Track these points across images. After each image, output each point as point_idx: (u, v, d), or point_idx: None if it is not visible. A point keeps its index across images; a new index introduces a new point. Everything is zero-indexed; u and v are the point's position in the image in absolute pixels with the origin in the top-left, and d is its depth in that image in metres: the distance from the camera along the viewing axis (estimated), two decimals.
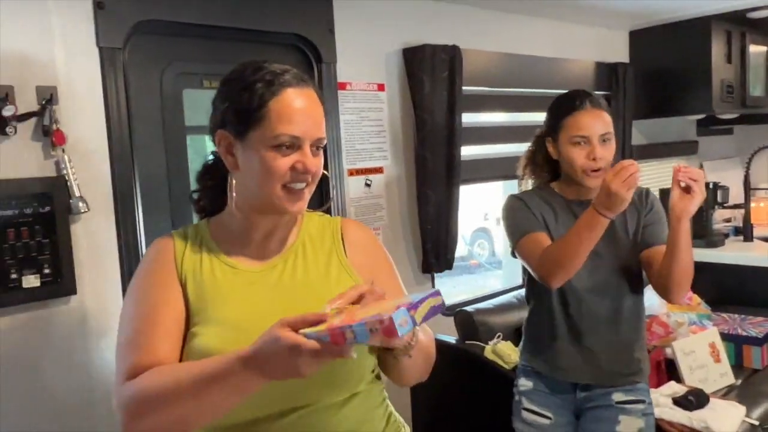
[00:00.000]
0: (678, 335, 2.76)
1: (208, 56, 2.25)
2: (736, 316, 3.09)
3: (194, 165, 2.23)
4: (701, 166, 4.56)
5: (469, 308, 2.71)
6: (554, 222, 1.83)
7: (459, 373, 2.51)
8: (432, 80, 2.72)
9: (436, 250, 2.84)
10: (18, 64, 1.80)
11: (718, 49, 3.67)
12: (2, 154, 1.78)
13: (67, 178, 1.85)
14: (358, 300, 0.99)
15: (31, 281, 1.80)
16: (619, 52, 3.90)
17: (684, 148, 4.41)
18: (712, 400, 2.38)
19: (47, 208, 1.83)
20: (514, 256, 1.87)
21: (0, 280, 1.76)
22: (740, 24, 3.76)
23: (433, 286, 2.98)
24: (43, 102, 1.82)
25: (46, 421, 1.87)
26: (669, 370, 2.67)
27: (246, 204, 1.17)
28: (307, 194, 1.15)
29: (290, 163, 1.10)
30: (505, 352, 2.42)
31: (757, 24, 3.78)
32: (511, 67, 3.23)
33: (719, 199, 3.72)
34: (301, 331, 0.90)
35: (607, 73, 3.70)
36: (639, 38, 3.93)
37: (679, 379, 2.58)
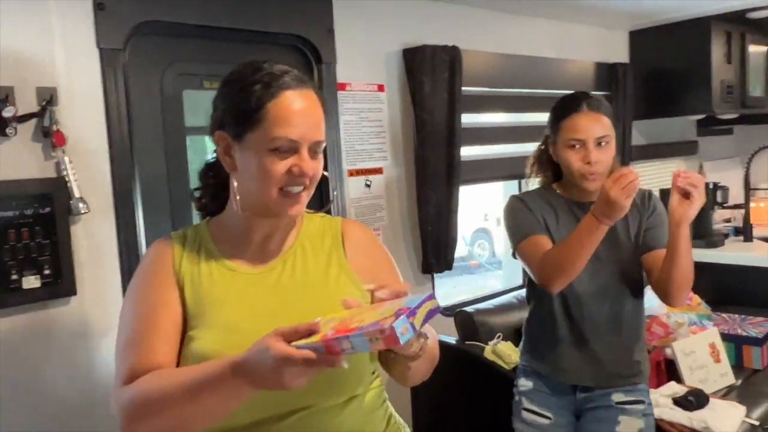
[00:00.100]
0: (678, 335, 2.76)
1: (208, 57, 2.25)
2: (736, 316, 3.09)
3: (194, 166, 2.24)
4: (701, 167, 4.57)
5: (469, 309, 2.71)
6: (555, 224, 1.83)
7: (459, 373, 2.51)
8: (432, 81, 2.72)
9: (436, 251, 2.84)
10: (18, 65, 1.80)
11: (717, 50, 3.67)
12: (2, 155, 1.78)
13: (67, 179, 1.85)
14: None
15: (31, 282, 1.80)
16: (619, 53, 3.90)
17: (684, 149, 4.41)
18: (712, 400, 2.38)
19: (47, 209, 1.83)
20: (515, 257, 1.87)
21: (0, 280, 1.76)
22: (740, 24, 3.76)
23: (433, 287, 2.98)
24: (44, 103, 1.82)
25: (47, 422, 1.87)
26: (669, 371, 2.67)
27: (245, 205, 1.16)
28: (305, 197, 1.14)
29: (287, 166, 1.09)
30: (505, 353, 2.42)
31: (756, 24, 3.78)
32: (511, 67, 3.23)
33: (719, 199, 3.72)
34: (294, 343, 0.89)
35: (607, 73, 3.70)
36: (639, 38, 3.93)
37: (679, 380, 2.58)
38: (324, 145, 1.15)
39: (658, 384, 2.53)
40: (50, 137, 1.82)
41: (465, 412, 2.53)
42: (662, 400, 2.37)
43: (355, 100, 2.64)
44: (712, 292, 3.27)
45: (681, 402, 2.34)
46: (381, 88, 2.74)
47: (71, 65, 1.90)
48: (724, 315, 3.12)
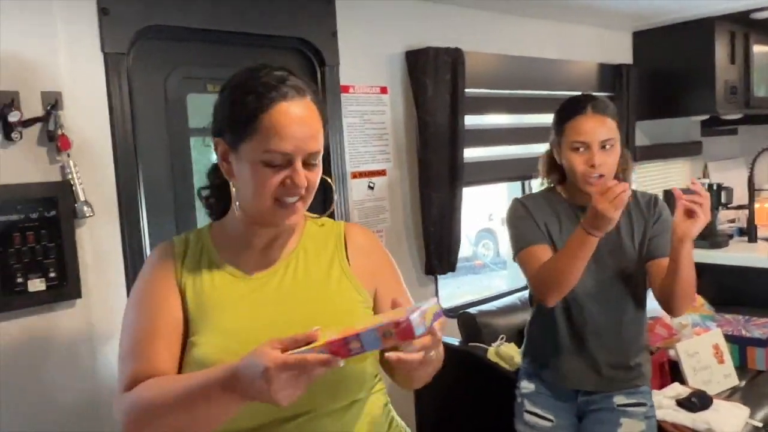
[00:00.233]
0: (681, 337, 2.76)
1: (212, 60, 2.27)
2: (740, 317, 3.08)
3: (198, 166, 2.25)
4: (705, 167, 4.56)
5: (472, 310, 2.72)
6: (558, 231, 1.82)
7: (462, 375, 2.51)
8: (435, 83, 2.73)
9: (439, 252, 2.85)
10: (23, 70, 1.82)
11: (721, 50, 3.66)
12: (8, 159, 1.79)
13: (72, 182, 1.86)
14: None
15: (36, 285, 1.81)
16: (622, 54, 3.90)
17: (688, 149, 4.40)
18: (715, 401, 2.38)
19: (52, 213, 1.84)
20: (515, 261, 1.87)
21: (6, 284, 1.77)
22: (744, 24, 3.75)
23: (437, 288, 2.99)
24: (48, 107, 1.83)
25: (52, 424, 1.88)
26: (672, 372, 2.66)
27: (244, 212, 1.16)
28: (301, 207, 1.13)
29: (280, 178, 1.08)
30: (508, 354, 2.43)
31: (760, 24, 3.77)
32: (514, 69, 3.23)
33: (723, 199, 3.71)
34: (291, 351, 0.89)
35: (611, 74, 3.70)
36: (642, 39, 3.93)
37: (682, 381, 2.58)
38: (321, 154, 1.12)
39: (662, 385, 2.53)
40: (55, 141, 1.84)
41: (468, 413, 2.53)
42: (665, 401, 2.36)
43: (358, 103, 2.65)
44: (715, 293, 3.26)
45: (684, 403, 2.34)
46: (384, 90, 2.74)
47: (76, 70, 1.92)
48: (727, 316, 3.12)
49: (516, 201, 1.90)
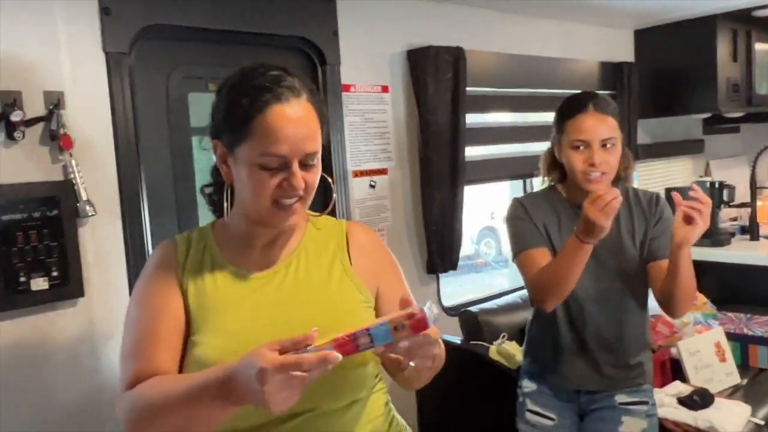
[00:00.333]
0: (683, 335, 2.76)
1: (213, 60, 2.27)
2: (742, 315, 3.08)
3: (200, 166, 2.25)
4: (707, 165, 4.55)
5: (473, 308, 2.72)
6: (557, 231, 1.80)
7: (464, 373, 2.51)
8: (436, 81, 2.73)
9: (440, 251, 2.85)
10: (25, 70, 1.82)
11: (723, 48, 3.66)
12: (10, 159, 1.80)
13: (74, 181, 1.87)
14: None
15: (39, 284, 1.82)
16: (624, 52, 3.89)
17: (690, 147, 4.40)
18: (717, 399, 2.38)
19: (55, 212, 1.85)
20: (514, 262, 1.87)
21: (9, 283, 1.78)
22: (746, 22, 3.74)
23: (438, 287, 2.99)
24: (51, 107, 1.84)
25: (53, 424, 1.89)
26: (674, 370, 2.66)
27: (244, 213, 1.17)
28: (300, 208, 1.12)
29: (277, 181, 1.07)
30: (509, 353, 2.43)
31: (762, 22, 3.77)
32: (516, 67, 3.23)
33: (725, 197, 3.70)
34: (292, 353, 0.87)
35: (613, 72, 3.69)
36: (644, 37, 3.92)
37: (684, 379, 2.58)
38: (318, 155, 1.11)
39: (663, 383, 2.53)
40: (57, 141, 1.84)
41: (470, 411, 2.53)
42: (667, 399, 2.36)
43: (359, 102, 2.65)
44: (717, 291, 3.26)
45: (686, 401, 2.34)
46: (385, 89, 2.75)
47: (78, 69, 1.92)
48: (729, 314, 3.11)
49: (515, 201, 1.88)
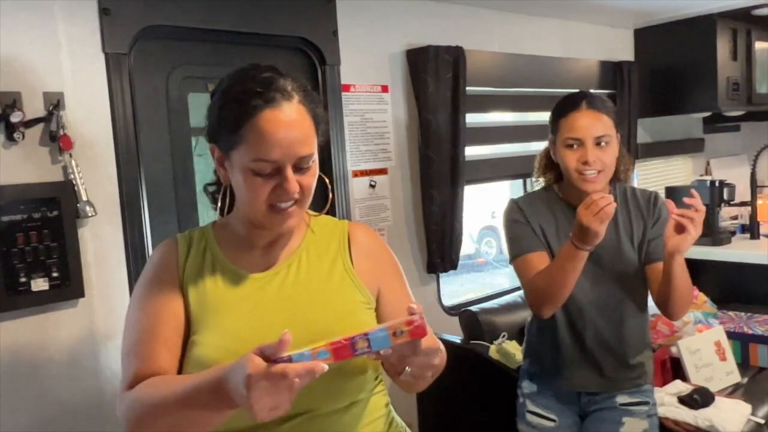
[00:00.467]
0: (683, 334, 2.76)
1: (213, 60, 2.27)
2: (742, 314, 3.08)
3: (200, 166, 2.26)
4: (708, 164, 4.55)
5: (473, 308, 2.72)
6: (555, 233, 1.78)
7: (464, 372, 2.52)
8: (436, 81, 2.73)
9: (441, 250, 2.85)
10: (25, 71, 1.83)
11: (723, 47, 3.66)
12: (10, 160, 1.80)
13: (74, 182, 1.87)
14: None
15: (39, 285, 1.83)
16: (624, 51, 3.89)
17: (690, 146, 4.40)
18: (717, 398, 2.38)
19: (55, 213, 1.85)
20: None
21: (9, 283, 1.78)
22: (745, 21, 3.74)
23: (438, 286, 3.00)
24: (50, 108, 1.84)
25: (55, 424, 1.89)
26: (674, 369, 2.66)
27: (243, 215, 1.17)
28: (296, 211, 1.11)
29: (271, 186, 1.06)
30: (510, 352, 2.43)
31: (762, 21, 3.76)
32: (515, 66, 3.23)
33: (726, 196, 3.70)
34: (289, 352, 0.86)
35: (612, 71, 3.69)
36: (644, 36, 3.92)
37: (684, 378, 2.58)
38: (314, 158, 1.10)
39: (664, 382, 2.53)
40: (57, 141, 1.85)
41: (470, 411, 2.54)
42: (667, 398, 2.36)
43: (359, 102, 2.66)
44: (717, 289, 3.26)
45: (686, 400, 2.34)
46: (385, 89, 2.75)
47: (77, 70, 1.92)
48: (729, 313, 3.11)
49: (512, 203, 1.85)
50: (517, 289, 3.15)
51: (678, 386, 2.47)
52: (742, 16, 3.64)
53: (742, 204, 3.85)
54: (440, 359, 1.05)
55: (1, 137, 1.78)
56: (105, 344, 1.98)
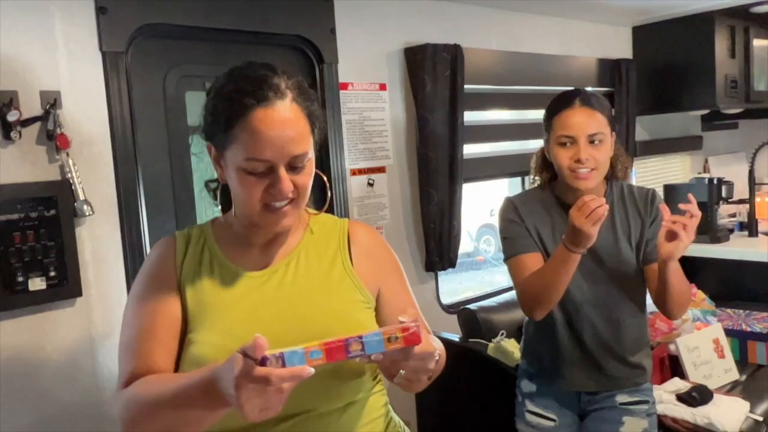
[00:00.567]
0: (682, 331, 2.76)
1: (210, 58, 2.27)
2: (741, 311, 3.09)
3: (197, 165, 2.25)
4: (706, 162, 4.56)
5: (472, 306, 2.72)
6: (550, 232, 1.76)
7: (462, 370, 2.51)
8: (433, 79, 2.73)
9: (439, 249, 2.85)
10: (22, 70, 1.82)
11: (721, 44, 3.66)
12: (7, 159, 1.80)
13: (71, 181, 1.87)
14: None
15: (37, 284, 1.82)
16: (622, 49, 3.89)
17: (688, 144, 4.40)
18: (716, 396, 2.38)
19: (52, 212, 1.85)
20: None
21: (6, 283, 1.78)
22: (744, 19, 3.74)
23: (437, 284, 3.00)
24: (47, 106, 1.84)
25: (53, 423, 1.89)
26: (673, 366, 2.67)
27: (241, 214, 1.16)
28: (292, 210, 1.10)
29: (264, 185, 1.05)
30: (508, 350, 2.43)
31: (760, 18, 3.77)
32: (513, 65, 3.23)
33: (724, 194, 3.70)
34: (280, 350, 0.85)
35: (611, 69, 3.69)
36: (642, 34, 3.92)
37: (683, 375, 2.58)
38: (308, 156, 1.08)
39: (662, 380, 2.53)
40: (54, 140, 1.84)
41: (469, 409, 2.54)
42: (666, 396, 2.37)
43: (357, 100, 2.65)
44: (716, 287, 3.26)
45: (685, 398, 2.34)
46: (383, 87, 2.74)
47: (74, 69, 1.92)
48: (728, 310, 3.12)
49: (507, 202, 1.84)
50: None
51: (676, 384, 2.47)
52: (741, 13, 3.64)
53: (741, 201, 3.85)
54: (438, 363, 1.04)
55: None
56: (103, 343, 1.97)
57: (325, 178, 1.21)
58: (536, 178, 1.89)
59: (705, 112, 4.10)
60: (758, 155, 3.72)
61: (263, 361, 0.84)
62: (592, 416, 1.84)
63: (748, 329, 2.89)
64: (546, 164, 1.84)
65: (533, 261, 1.73)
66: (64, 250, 1.86)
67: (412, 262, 2.87)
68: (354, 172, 2.66)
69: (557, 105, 1.73)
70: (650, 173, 4.22)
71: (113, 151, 2.00)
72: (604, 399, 1.82)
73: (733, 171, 4.31)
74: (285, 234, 1.19)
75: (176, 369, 1.11)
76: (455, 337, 2.67)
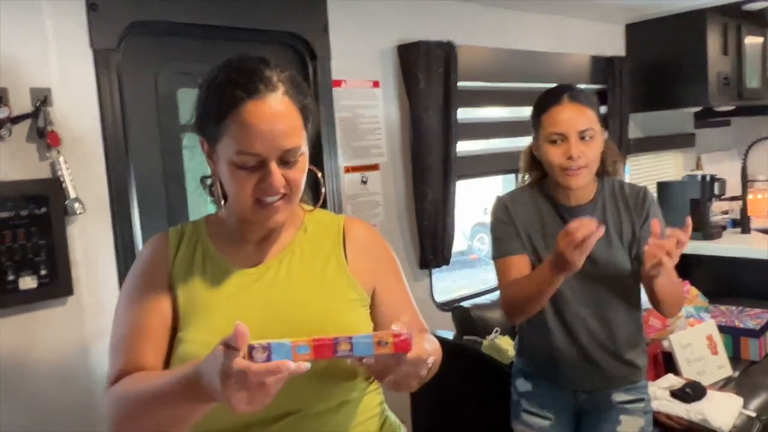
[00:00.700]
0: (675, 328, 2.76)
1: (203, 55, 2.25)
2: (734, 308, 3.10)
3: (190, 164, 2.24)
4: (699, 159, 4.57)
5: (466, 303, 2.72)
6: (539, 233, 1.74)
7: (457, 368, 2.49)
8: (427, 77, 2.72)
9: (433, 246, 2.85)
10: (12, 67, 1.80)
11: (714, 42, 3.67)
12: None
13: (62, 179, 1.85)
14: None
15: (27, 283, 1.81)
16: (615, 46, 3.90)
17: (681, 141, 4.42)
18: (709, 392, 2.38)
19: (43, 210, 1.83)
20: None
21: None
22: (736, 16, 3.76)
23: (431, 282, 2.99)
24: (38, 104, 1.82)
25: (44, 423, 1.87)
26: (666, 363, 2.67)
27: (234, 209, 1.15)
28: (284, 206, 1.08)
29: (255, 180, 1.03)
30: (502, 347, 2.42)
31: (752, 16, 3.78)
32: (507, 62, 3.23)
33: (716, 191, 3.72)
34: (267, 340, 0.84)
35: (604, 66, 3.70)
36: (635, 31, 3.93)
37: (676, 372, 2.58)
38: (300, 151, 1.06)
39: (656, 376, 2.53)
40: (45, 138, 1.83)
41: (463, 406, 2.53)
42: (659, 392, 2.37)
43: (350, 97, 2.64)
44: (709, 284, 3.28)
45: (678, 394, 2.34)
46: (376, 84, 2.74)
47: (65, 66, 1.90)
48: (721, 307, 3.13)
49: (499, 201, 1.81)
50: None
51: (670, 380, 2.48)
52: (733, 11, 3.65)
53: (733, 198, 3.87)
54: (431, 369, 1.02)
55: None
56: (95, 342, 1.96)
57: (319, 174, 1.19)
58: (527, 177, 1.86)
59: (698, 109, 4.11)
60: (750, 152, 3.74)
61: (250, 351, 0.83)
62: (589, 416, 1.83)
63: (741, 326, 2.90)
64: (535, 162, 1.81)
65: (520, 263, 1.72)
66: (55, 249, 1.85)
67: (406, 259, 2.87)
68: (347, 170, 2.65)
69: (545, 101, 1.71)
70: (643, 171, 4.23)
71: (105, 148, 1.98)
72: (601, 398, 1.80)
73: (725, 168, 4.32)
74: (279, 230, 1.18)
75: (166, 367, 1.10)
76: (449, 334, 2.67)
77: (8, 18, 1.80)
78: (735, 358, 2.82)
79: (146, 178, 2.14)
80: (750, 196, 3.81)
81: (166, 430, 0.98)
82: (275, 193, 1.05)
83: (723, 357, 2.71)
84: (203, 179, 1.24)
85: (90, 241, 1.96)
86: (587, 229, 1.39)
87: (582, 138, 1.64)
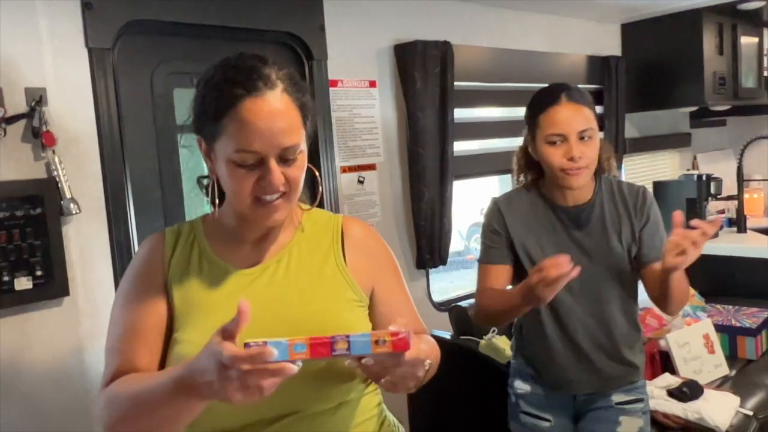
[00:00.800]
0: (672, 327, 2.77)
1: (199, 55, 2.24)
2: (730, 307, 3.10)
3: (186, 165, 2.23)
4: (694, 158, 4.58)
5: (463, 303, 2.71)
6: (535, 241, 1.72)
7: (454, 368, 2.47)
8: (424, 76, 2.72)
9: (430, 246, 2.85)
10: (6, 66, 1.79)
11: (709, 41, 3.68)
12: None
13: (57, 179, 1.84)
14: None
15: (23, 283, 1.80)
16: (611, 46, 3.90)
17: (677, 141, 4.42)
18: (706, 391, 2.38)
19: (38, 210, 1.82)
20: None
21: None
22: (731, 16, 3.76)
23: (428, 282, 2.99)
24: (33, 103, 1.81)
25: (40, 424, 1.86)
26: (663, 362, 2.67)
27: (231, 208, 1.14)
28: (283, 204, 1.07)
29: (254, 178, 1.02)
30: (499, 347, 2.42)
31: (748, 15, 3.79)
32: (503, 61, 3.23)
33: (713, 190, 3.72)
34: (262, 339, 0.83)
35: (600, 66, 3.70)
36: (631, 31, 3.94)
37: (673, 371, 2.59)
38: (299, 149, 1.05)
39: (653, 375, 2.53)
40: (40, 138, 1.82)
41: (461, 405, 2.53)
42: (657, 391, 2.37)
43: (347, 97, 2.64)
44: (706, 283, 3.27)
45: (675, 393, 2.35)
46: (373, 84, 2.73)
47: (60, 65, 1.90)
48: (718, 306, 3.13)
49: (494, 204, 1.79)
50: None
51: (667, 379, 2.48)
52: (728, 10, 3.66)
53: (729, 198, 3.88)
54: (428, 371, 1.02)
55: None
56: (91, 343, 1.95)
57: (316, 173, 1.18)
58: (521, 178, 1.84)
59: (693, 109, 4.12)
60: (746, 152, 3.74)
61: (246, 348, 0.82)
62: (588, 416, 1.81)
63: (738, 324, 2.90)
64: (530, 163, 1.78)
65: (499, 273, 1.73)
66: (50, 249, 1.84)
67: (403, 259, 2.86)
68: (344, 170, 2.65)
69: (542, 101, 1.68)
70: (639, 170, 4.24)
71: (100, 148, 1.98)
72: (600, 399, 1.79)
73: (721, 168, 4.33)
74: (277, 230, 1.17)
75: (162, 368, 1.09)
76: (446, 334, 2.66)
77: (3, 17, 1.79)
78: (732, 357, 2.82)
79: (142, 178, 2.13)
80: (746, 196, 3.81)
81: (160, 431, 0.97)
82: (275, 191, 1.04)
83: (720, 356, 2.72)
84: (200, 179, 1.23)
85: (85, 242, 1.95)
86: (561, 268, 1.37)
87: (581, 138, 1.62)
